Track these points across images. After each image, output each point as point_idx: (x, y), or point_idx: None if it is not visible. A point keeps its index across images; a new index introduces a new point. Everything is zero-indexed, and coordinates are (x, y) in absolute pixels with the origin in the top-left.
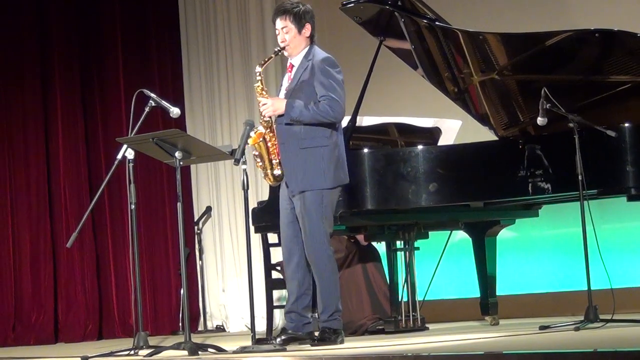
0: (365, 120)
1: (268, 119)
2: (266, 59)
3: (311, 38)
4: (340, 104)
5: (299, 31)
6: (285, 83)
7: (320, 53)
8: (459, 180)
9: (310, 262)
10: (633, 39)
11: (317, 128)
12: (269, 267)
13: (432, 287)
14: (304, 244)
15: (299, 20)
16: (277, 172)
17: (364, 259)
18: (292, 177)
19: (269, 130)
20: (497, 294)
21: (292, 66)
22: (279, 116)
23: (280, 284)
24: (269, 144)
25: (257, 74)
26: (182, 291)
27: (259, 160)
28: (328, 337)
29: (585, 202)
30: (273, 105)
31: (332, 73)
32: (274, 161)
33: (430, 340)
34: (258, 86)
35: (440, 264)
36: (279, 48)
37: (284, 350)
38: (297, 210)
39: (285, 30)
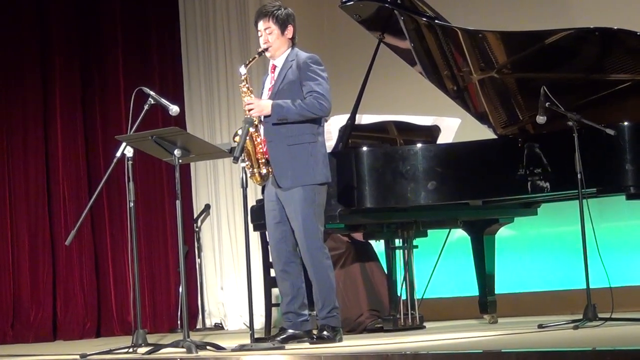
0: (364, 118)
1: (254, 118)
2: (250, 60)
3: (292, 40)
4: (327, 98)
5: (282, 32)
6: (268, 84)
7: (303, 53)
8: (457, 179)
9: (305, 260)
10: (633, 38)
11: (304, 125)
12: (267, 265)
13: (430, 286)
14: (298, 243)
15: (282, 22)
16: (263, 171)
17: (361, 256)
18: (282, 174)
19: (254, 130)
20: (496, 292)
21: (275, 67)
22: (266, 116)
23: None
24: (255, 143)
25: (242, 74)
26: (180, 289)
27: (246, 159)
28: (327, 335)
29: (584, 201)
30: (259, 107)
31: (317, 70)
32: (260, 160)
33: (428, 339)
34: (243, 86)
35: (439, 262)
36: (262, 49)
37: (283, 348)
38: (287, 209)
39: (268, 31)
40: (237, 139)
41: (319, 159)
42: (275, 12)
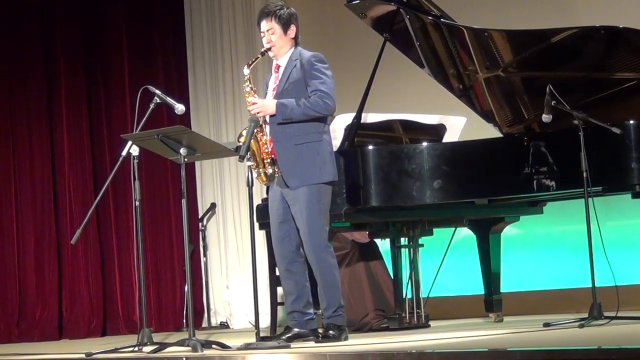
0: (370, 117)
1: (259, 118)
2: (253, 60)
3: (295, 39)
4: (332, 97)
5: (284, 32)
6: (272, 84)
7: (307, 52)
8: (463, 177)
9: (309, 259)
10: (638, 36)
11: (310, 124)
12: (273, 263)
13: (436, 284)
14: (303, 241)
15: (285, 21)
16: (269, 170)
17: (366, 256)
18: (290, 173)
19: (259, 129)
20: (501, 291)
21: (279, 67)
22: (271, 116)
23: None
24: (260, 143)
25: (246, 74)
26: (186, 288)
27: (251, 159)
28: (332, 334)
29: (590, 199)
30: (262, 106)
31: (322, 69)
32: (265, 160)
33: (434, 337)
34: (246, 86)
35: (445, 261)
36: (264, 49)
37: (288, 347)
38: (293, 208)
39: (270, 31)
40: (242, 139)
41: (326, 157)
42: (277, 11)
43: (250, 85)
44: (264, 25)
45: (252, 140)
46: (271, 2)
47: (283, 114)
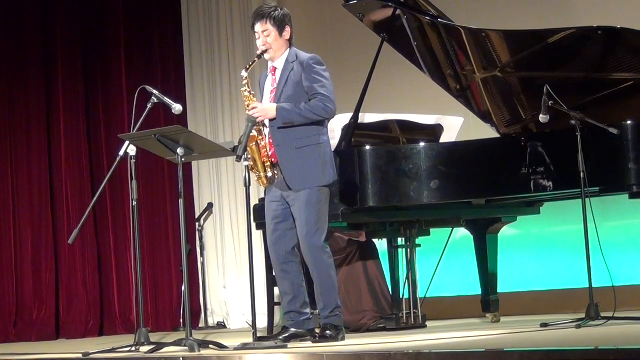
0: (367, 117)
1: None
2: (250, 63)
3: (290, 40)
4: (332, 100)
5: (280, 34)
6: (269, 86)
7: (304, 53)
8: (460, 178)
9: (306, 260)
10: (636, 37)
11: (309, 127)
12: (270, 263)
13: (433, 285)
14: (300, 241)
15: (280, 23)
16: (269, 174)
17: (364, 257)
18: (292, 177)
19: (258, 133)
20: (498, 291)
21: (275, 69)
22: (271, 120)
23: None
24: (260, 147)
25: (243, 78)
26: (183, 288)
27: (252, 163)
28: (329, 334)
29: (587, 200)
30: (263, 111)
31: (320, 71)
32: (266, 164)
33: (431, 338)
34: (245, 90)
35: (442, 261)
36: (261, 52)
37: (285, 347)
38: (292, 209)
39: (266, 33)
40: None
41: (326, 159)
42: (272, 13)
43: (248, 90)
44: (259, 27)
45: (252, 146)
46: (265, 4)
47: (284, 118)
